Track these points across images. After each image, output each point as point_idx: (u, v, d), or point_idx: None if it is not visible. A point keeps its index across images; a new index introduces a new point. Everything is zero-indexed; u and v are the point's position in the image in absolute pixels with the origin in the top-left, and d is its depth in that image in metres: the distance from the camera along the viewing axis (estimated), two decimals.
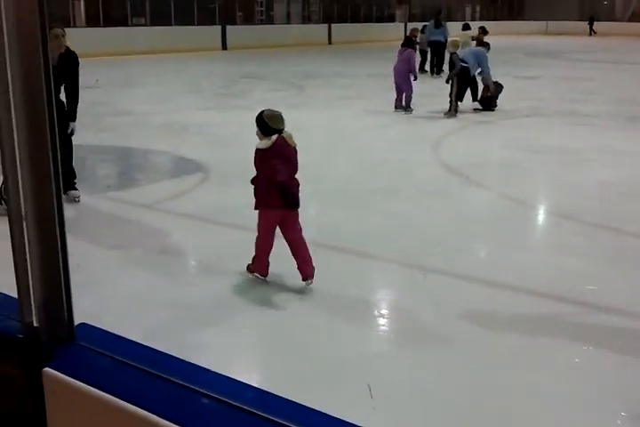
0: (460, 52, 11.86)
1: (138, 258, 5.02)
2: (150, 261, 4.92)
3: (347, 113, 11.98)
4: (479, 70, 11.92)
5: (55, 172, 1.21)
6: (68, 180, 6.07)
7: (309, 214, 6.53)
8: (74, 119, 5.96)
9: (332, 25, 33.77)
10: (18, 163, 1.20)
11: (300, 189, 4.31)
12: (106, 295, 4.20)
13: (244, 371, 3.57)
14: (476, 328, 3.95)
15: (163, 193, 6.41)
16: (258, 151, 4.17)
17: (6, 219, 1.20)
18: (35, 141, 1.20)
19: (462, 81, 11.81)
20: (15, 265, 1.22)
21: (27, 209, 1.21)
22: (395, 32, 32.23)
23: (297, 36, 29.97)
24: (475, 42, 16.42)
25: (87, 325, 1.30)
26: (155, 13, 26.41)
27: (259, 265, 4.44)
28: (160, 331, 3.73)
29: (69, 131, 5.93)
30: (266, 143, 4.12)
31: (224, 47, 27.86)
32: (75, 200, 6.12)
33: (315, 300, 4.29)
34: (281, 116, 4.21)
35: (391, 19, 40.30)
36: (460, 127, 10.75)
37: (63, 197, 1.20)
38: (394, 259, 5.04)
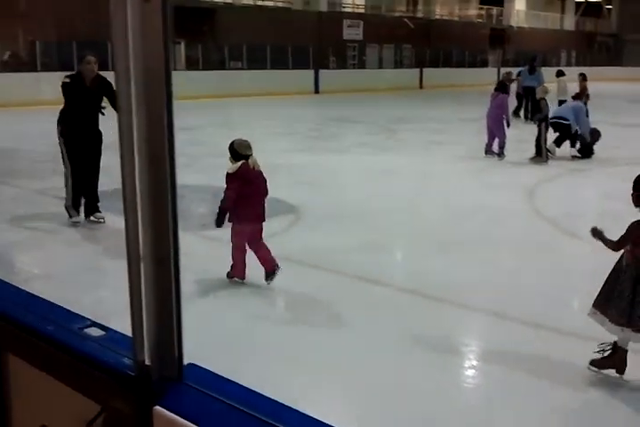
0: (558, 110, 11.69)
1: (228, 298, 5.09)
2: (240, 302, 4.98)
3: (438, 157, 11.94)
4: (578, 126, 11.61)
5: (173, 213, 1.25)
6: (93, 203, 7.02)
7: (397, 259, 6.50)
8: None
9: (424, 69, 34.02)
10: (139, 206, 1.24)
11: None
12: (200, 336, 4.26)
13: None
14: (575, 384, 3.79)
15: None
16: (227, 174, 5.04)
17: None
18: (155, 185, 1.24)
19: (562, 135, 11.62)
20: (131, 304, 1.25)
21: (145, 250, 1.25)
22: (488, 77, 32.10)
23: (389, 80, 30.34)
24: (574, 88, 16.13)
25: (195, 365, 1.32)
26: (251, 57, 27.39)
27: (237, 270, 5.18)
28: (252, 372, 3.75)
29: None
30: (233, 168, 5.01)
31: (316, 91, 28.47)
32: (100, 221, 6.99)
33: (405, 345, 4.23)
34: (249, 145, 5.13)
35: (484, 64, 40.24)
36: (556, 174, 10.52)
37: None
38: (485, 308, 4.93)
